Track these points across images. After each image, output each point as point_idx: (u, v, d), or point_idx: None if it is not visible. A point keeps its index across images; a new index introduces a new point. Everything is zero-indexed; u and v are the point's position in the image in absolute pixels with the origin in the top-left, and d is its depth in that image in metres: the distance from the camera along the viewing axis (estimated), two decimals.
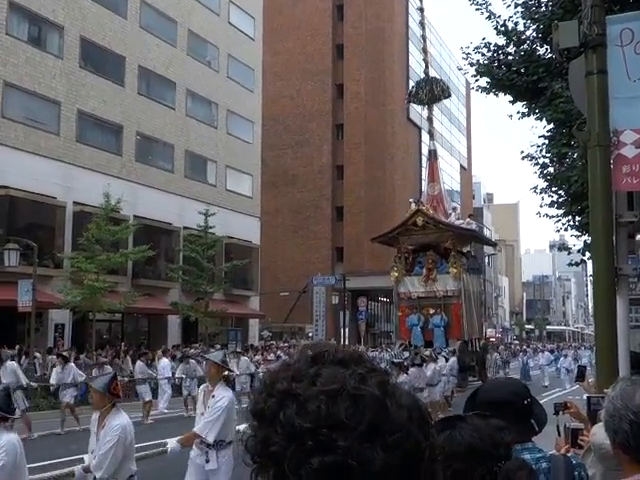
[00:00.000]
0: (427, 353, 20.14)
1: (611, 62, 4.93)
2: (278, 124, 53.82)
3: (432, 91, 33.96)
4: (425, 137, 64.57)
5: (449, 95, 36.95)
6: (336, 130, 57.21)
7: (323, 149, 56.36)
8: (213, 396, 6.86)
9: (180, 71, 36.46)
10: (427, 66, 35.76)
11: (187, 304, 31.86)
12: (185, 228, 34.42)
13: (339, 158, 56.25)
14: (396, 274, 32.08)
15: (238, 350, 26.40)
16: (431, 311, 31.38)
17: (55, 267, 27.57)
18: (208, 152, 38.45)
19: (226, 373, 7.78)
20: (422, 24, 36.13)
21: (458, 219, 33.50)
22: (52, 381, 18.45)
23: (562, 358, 34.45)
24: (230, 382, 19.26)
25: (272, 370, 1.09)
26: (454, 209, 35.06)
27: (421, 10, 36.75)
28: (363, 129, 55.30)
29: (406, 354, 23.19)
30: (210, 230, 32.02)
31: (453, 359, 23.54)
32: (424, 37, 36.22)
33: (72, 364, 18.92)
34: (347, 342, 40.89)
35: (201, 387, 7.63)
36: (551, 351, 41.20)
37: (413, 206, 32.00)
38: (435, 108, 68.14)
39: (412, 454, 1.01)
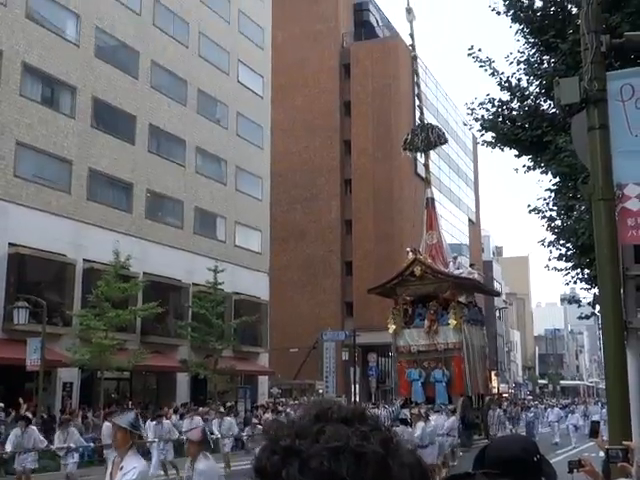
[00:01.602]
0: (415, 411, 18.77)
1: (612, 117, 4.98)
2: (287, 180, 54.26)
3: (428, 138, 33.46)
4: (433, 191, 64.96)
5: (445, 141, 36.32)
6: (344, 185, 57.61)
7: (332, 204, 56.67)
8: (121, 468, 5.76)
9: (190, 129, 36.99)
10: (422, 112, 35.05)
11: (196, 361, 31.64)
12: (194, 284, 34.41)
13: (348, 213, 56.50)
14: (394, 326, 31.10)
15: (221, 410, 24.91)
16: (432, 365, 30.36)
17: (64, 325, 27.52)
18: (217, 208, 38.71)
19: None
20: (415, 71, 35.97)
21: (458, 268, 32.64)
22: (8, 446, 15.93)
23: (569, 415, 33.39)
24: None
25: (276, 426, 1.09)
26: (454, 258, 34.18)
27: (414, 58, 36.89)
28: (371, 184, 55.67)
29: (406, 411, 21.93)
30: (219, 286, 32.00)
31: (453, 419, 22.31)
32: (417, 84, 35.92)
33: (34, 427, 16.58)
34: (358, 399, 40.38)
35: (111, 457, 6.69)
36: (564, 406, 40.41)
37: (410, 255, 31.23)
38: (442, 162, 68.82)
39: None
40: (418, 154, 35.56)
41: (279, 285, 47.59)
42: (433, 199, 34.67)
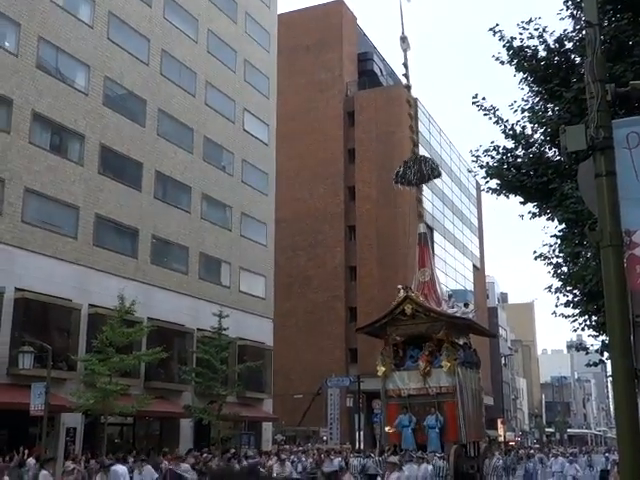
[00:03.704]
0: (392, 459, 17.08)
1: (619, 164, 5.07)
2: (291, 226, 54.53)
3: (421, 170, 31.80)
4: (438, 237, 65.12)
5: (439, 174, 34.96)
6: (349, 231, 57.84)
7: (336, 250, 56.82)
8: None
9: (195, 176, 37.34)
10: (415, 145, 33.31)
11: (200, 407, 31.41)
12: (199, 329, 34.35)
13: (352, 259, 56.61)
14: (383, 369, 29.02)
15: (143, 457, 22.89)
16: (424, 410, 28.00)
17: (69, 369, 27.44)
18: (222, 254, 38.84)
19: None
20: (409, 101, 35.18)
21: (452, 307, 30.56)
22: None
23: (567, 465, 31.01)
24: None
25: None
26: (449, 297, 32.37)
27: (408, 88, 36.73)
28: (375, 230, 55.89)
29: (370, 462, 19.90)
30: (224, 331, 31.93)
31: (425, 466, 20.56)
32: (410, 115, 34.98)
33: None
34: (362, 445, 39.91)
35: None
36: (572, 454, 39.17)
37: (401, 293, 29.18)
38: (447, 209, 69.09)
39: None
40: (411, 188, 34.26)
41: (283, 331, 47.45)
42: (426, 235, 33.06)
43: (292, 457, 31.25)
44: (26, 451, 23.25)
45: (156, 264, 34.24)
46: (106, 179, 32.00)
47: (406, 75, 35.48)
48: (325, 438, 44.69)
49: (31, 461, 22.78)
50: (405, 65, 34.09)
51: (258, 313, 40.38)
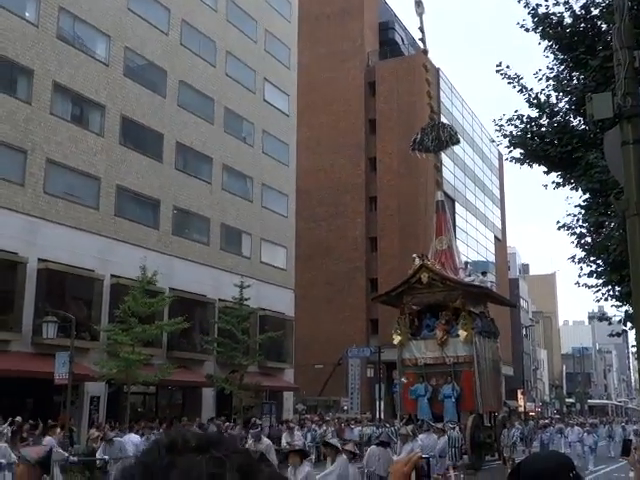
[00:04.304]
0: (403, 431, 16.67)
1: None
2: (312, 197, 54.43)
3: (439, 137, 31.35)
4: (459, 208, 64.77)
5: (457, 141, 33.34)
6: (369, 202, 57.65)
7: (357, 221, 56.72)
8: None
9: (216, 147, 37.31)
10: (432, 111, 32.78)
11: (222, 376, 31.72)
12: (220, 300, 34.56)
13: (373, 230, 56.49)
14: (400, 337, 28.98)
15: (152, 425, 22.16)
16: (440, 380, 28.05)
17: (92, 339, 27.77)
18: (243, 225, 38.92)
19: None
20: (425, 67, 34.13)
21: (469, 276, 30.21)
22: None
23: (585, 435, 30.41)
24: None
25: (122, 467, 1.00)
26: (466, 265, 31.71)
27: (425, 53, 36.07)
28: (396, 201, 55.65)
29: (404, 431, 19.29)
30: (245, 302, 32.11)
31: (444, 439, 20.36)
32: (428, 80, 33.87)
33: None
34: (382, 415, 40.15)
35: None
36: (592, 425, 38.73)
37: (417, 261, 28.97)
38: (468, 180, 68.59)
39: None
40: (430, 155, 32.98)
41: (304, 302, 47.62)
42: (444, 202, 32.28)
43: (313, 426, 31.55)
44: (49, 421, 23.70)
45: (177, 235, 34.40)
46: (127, 150, 32.08)
47: (422, 40, 34.75)
48: (346, 408, 45.00)
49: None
50: (421, 29, 33.34)
51: (279, 284, 40.53)
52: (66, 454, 17.55)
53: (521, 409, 63.88)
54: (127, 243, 30.94)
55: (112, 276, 29.73)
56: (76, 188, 29.80)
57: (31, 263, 26.58)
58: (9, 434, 19.72)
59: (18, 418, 20.64)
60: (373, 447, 13.06)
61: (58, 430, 22.85)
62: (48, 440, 16.73)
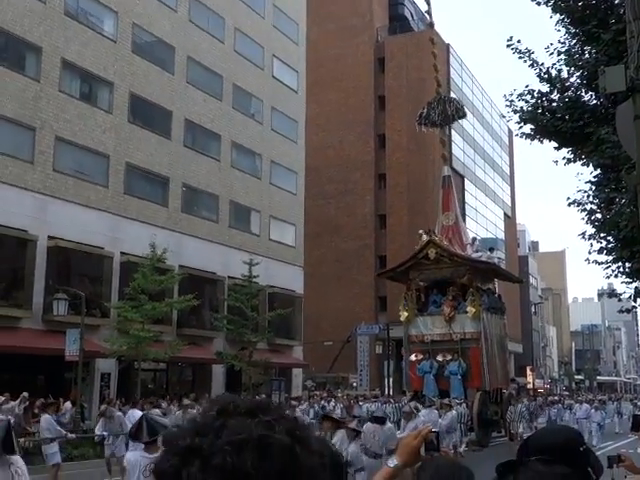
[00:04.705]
0: (407, 409, 16.49)
1: None
2: (321, 174, 54.29)
3: (445, 111, 31.00)
4: (469, 185, 64.51)
5: (464, 115, 32.94)
6: (379, 180, 57.49)
7: (366, 199, 56.61)
8: None
9: (225, 124, 37.19)
10: (438, 84, 32.30)
11: (231, 353, 31.88)
12: (229, 277, 34.65)
13: (382, 207, 56.38)
14: (406, 314, 28.77)
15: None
16: (447, 356, 27.91)
17: (102, 316, 27.93)
18: (252, 202, 38.90)
19: None
20: (432, 40, 33.44)
21: (477, 252, 29.96)
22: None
23: (593, 411, 29.93)
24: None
25: (176, 429, 1.04)
26: (473, 241, 31.43)
27: (431, 25, 35.59)
28: (405, 178, 55.47)
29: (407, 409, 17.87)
30: (254, 279, 32.18)
31: (451, 414, 19.98)
32: (434, 53, 33.22)
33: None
34: (391, 392, 40.32)
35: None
36: (601, 402, 38.70)
37: (424, 237, 28.71)
38: (477, 156, 68.23)
39: None
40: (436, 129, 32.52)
41: (313, 279, 47.69)
42: (450, 177, 31.82)
43: (322, 402, 31.73)
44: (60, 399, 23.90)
45: (186, 212, 34.43)
46: (136, 127, 32.02)
47: (429, 12, 34.29)
48: (355, 384, 45.24)
49: (67, 405, 23.43)
50: (427, 1, 32.97)
51: (288, 261, 40.58)
52: (63, 432, 17.45)
53: (530, 386, 64.01)
54: (136, 221, 31.00)
55: (122, 254, 29.81)
56: (85, 166, 29.81)
57: (41, 241, 26.67)
58: (21, 411, 19.91)
59: (25, 394, 20.73)
60: (368, 424, 12.85)
61: (70, 404, 23.11)
62: (45, 418, 16.64)
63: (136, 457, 6.54)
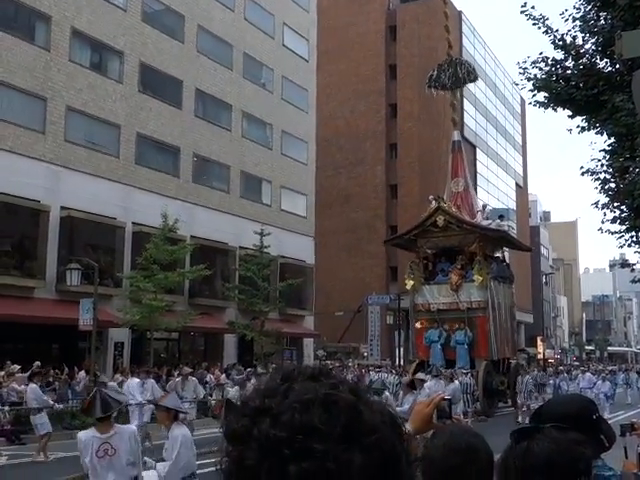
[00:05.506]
0: (405, 380, 16.37)
1: None
2: (332, 144, 54.06)
3: (456, 74, 30.10)
4: (480, 155, 64.14)
5: (475, 78, 31.92)
6: (390, 150, 57.21)
7: (377, 169, 56.39)
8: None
9: (236, 93, 37.01)
10: (450, 46, 31.39)
11: (243, 323, 32.08)
12: (241, 248, 34.73)
13: (393, 177, 56.19)
14: (412, 282, 28.26)
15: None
16: (454, 325, 27.44)
17: (115, 286, 28.11)
18: (263, 173, 38.84)
19: None
20: (444, 0, 32.73)
21: (486, 219, 29.33)
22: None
23: (600, 382, 29.03)
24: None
25: (244, 394, 1.09)
26: (483, 207, 30.73)
27: None
28: (417, 148, 55.18)
29: (422, 376, 17.95)
30: (265, 250, 32.25)
31: (454, 385, 19.29)
32: (446, 13, 32.00)
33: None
34: (402, 362, 40.53)
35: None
36: (612, 372, 38.46)
37: (433, 204, 28.06)
38: (490, 125, 67.70)
39: (389, 456, 1.02)
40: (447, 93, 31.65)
41: (324, 249, 47.75)
42: (460, 142, 31.17)
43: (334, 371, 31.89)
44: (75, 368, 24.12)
45: (198, 183, 34.44)
46: (146, 97, 31.93)
47: None
48: (365, 354, 45.47)
49: (81, 374, 23.69)
50: None
51: (299, 231, 40.59)
52: (51, 401, 17.40)
53: (540, 356, 64.12)
54: (148, 191, 31.03)
55: (134, 224, 29.90)
56: (96, 136, 29.80)
57: (53, 211, 26.78)
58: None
59: (37, 363, 20.88)
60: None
61: (84, 373, 23.34)
62: (31, 388, 16.49)
63: (87, 437, 6.48)
